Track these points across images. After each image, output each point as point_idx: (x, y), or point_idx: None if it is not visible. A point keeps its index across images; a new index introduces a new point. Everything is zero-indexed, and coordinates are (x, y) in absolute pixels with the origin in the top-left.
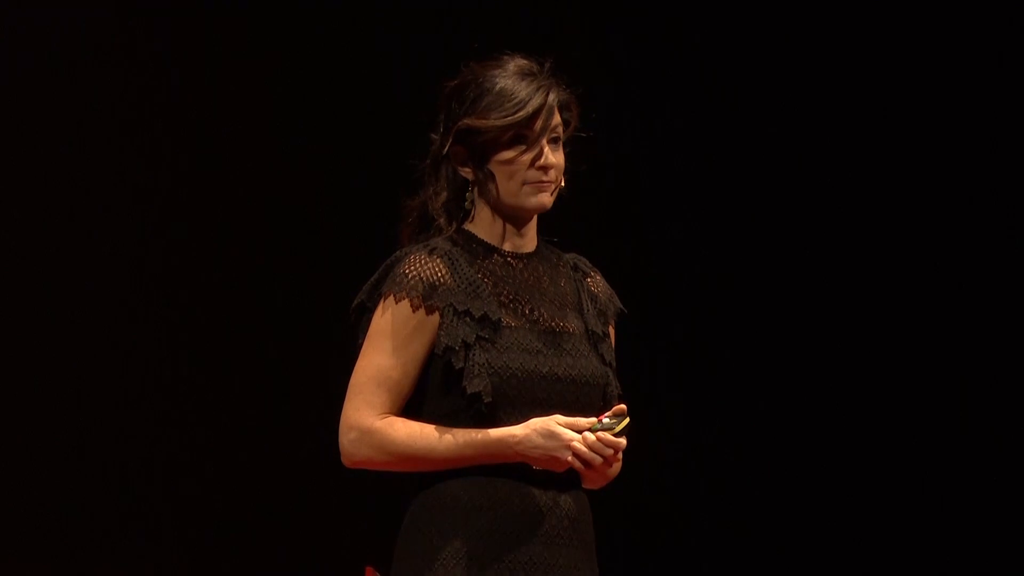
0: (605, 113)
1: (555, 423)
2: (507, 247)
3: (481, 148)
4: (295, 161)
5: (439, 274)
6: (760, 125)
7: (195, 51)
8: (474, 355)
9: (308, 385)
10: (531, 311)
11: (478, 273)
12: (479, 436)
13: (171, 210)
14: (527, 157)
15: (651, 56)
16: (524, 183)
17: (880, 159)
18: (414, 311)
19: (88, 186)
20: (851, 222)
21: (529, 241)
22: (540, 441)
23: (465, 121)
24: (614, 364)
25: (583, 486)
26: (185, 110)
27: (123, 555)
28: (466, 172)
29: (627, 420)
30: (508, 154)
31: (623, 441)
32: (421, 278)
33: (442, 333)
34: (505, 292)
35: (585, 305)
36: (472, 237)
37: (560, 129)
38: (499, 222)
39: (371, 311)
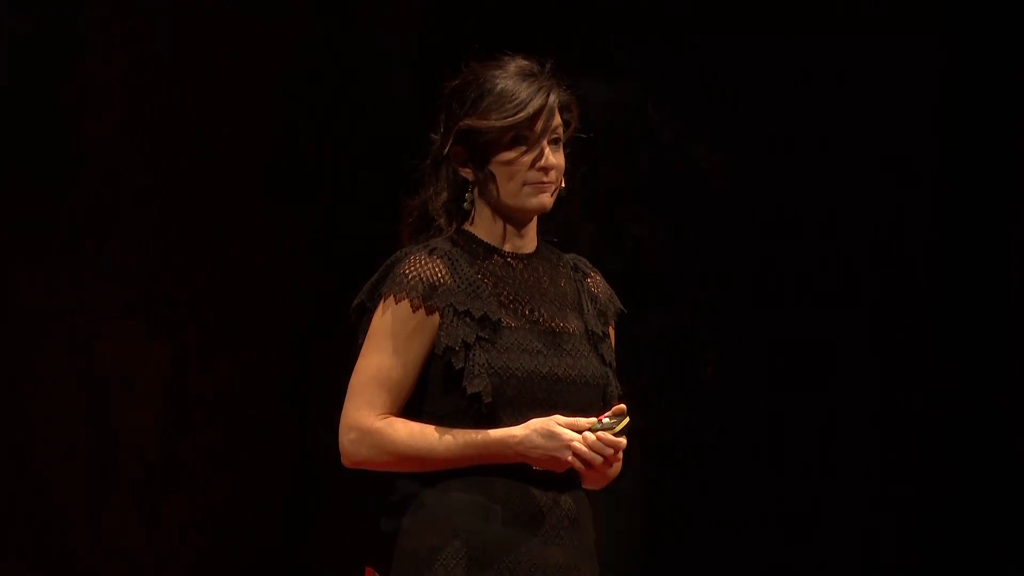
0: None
1: (555, 423)
2: (507, 248)
3: (482, 149)
4: (295, 161)
5: (439, 274)
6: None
7: (195, 51)
8: (474, 355)
9: (308, 385)
10: (531, 311)
11: (478, 274)
12: (479, 436)
13: (171, 210)
14: (528, 158)
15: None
16: (524, 184)
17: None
18: (414, 311)
19: (89, 185)
20: (851, 221)
21: (529, 242)
22: (540, 441)
23: (466, 122)
24: (614, 364)
25: (583, 486)
26: (185, 110)
27: (123, 555)
28: (466, 173)
29: (627, 420)
30: (509, 155)
31: (623, 441)
32: (421, 278)
33: (442, 333)
34: (505, 292)
35: (585, 305)
36: (472, 237)
37: (560, 130)
38: (499, 223)
39: (371, 311)
